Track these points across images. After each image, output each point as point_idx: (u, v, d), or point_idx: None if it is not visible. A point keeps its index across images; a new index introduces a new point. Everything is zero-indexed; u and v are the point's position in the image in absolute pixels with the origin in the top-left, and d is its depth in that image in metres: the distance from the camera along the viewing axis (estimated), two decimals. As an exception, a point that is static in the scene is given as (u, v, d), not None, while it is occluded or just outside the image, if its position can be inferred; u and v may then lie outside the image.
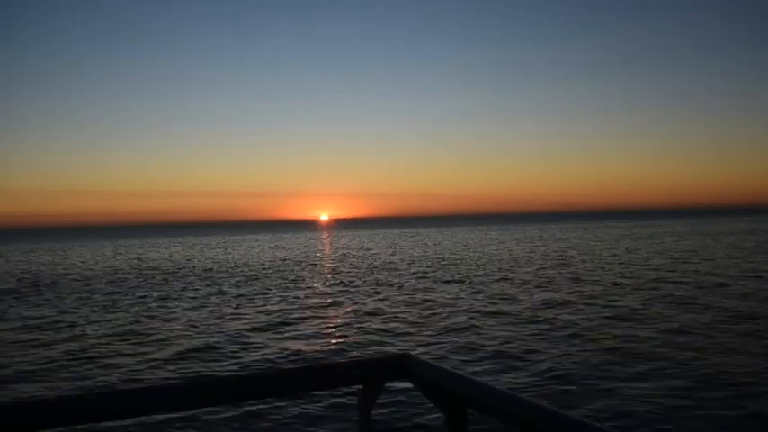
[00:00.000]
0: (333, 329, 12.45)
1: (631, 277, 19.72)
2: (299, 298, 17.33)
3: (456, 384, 1.40)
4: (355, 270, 26.03)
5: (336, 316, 14.11)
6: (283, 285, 20.78)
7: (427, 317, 13.37)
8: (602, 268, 23.18)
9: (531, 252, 33.94)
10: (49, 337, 12.13)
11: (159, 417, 6.39)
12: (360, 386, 1.59)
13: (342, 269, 26.81)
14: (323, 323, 13.15)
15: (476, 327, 12.01)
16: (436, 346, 10.43)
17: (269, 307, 15.59)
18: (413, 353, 1.66)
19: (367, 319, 13.45)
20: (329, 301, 16.62)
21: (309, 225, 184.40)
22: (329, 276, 23.78)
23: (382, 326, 12.51)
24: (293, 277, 23.54)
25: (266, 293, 18.51)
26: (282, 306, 15.70)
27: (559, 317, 12.80)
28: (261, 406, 7.18)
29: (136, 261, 35.30)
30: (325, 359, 9.77)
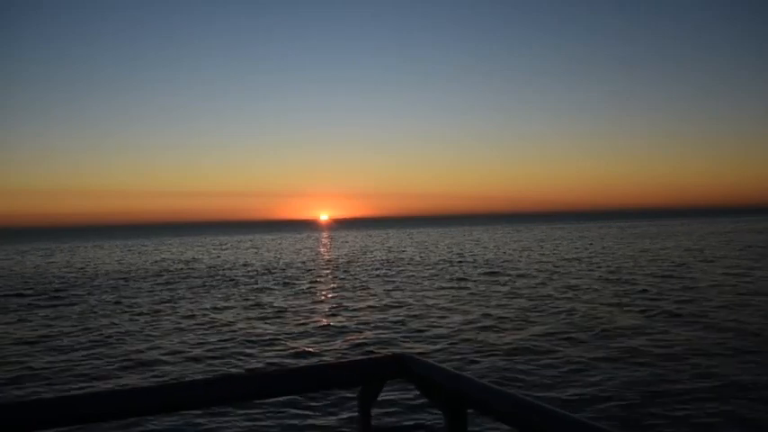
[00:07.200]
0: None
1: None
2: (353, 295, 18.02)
3: (456, 384, 1.39)
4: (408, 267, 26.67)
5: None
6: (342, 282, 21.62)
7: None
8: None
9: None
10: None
11: (157, 417, 6.38)
12: (359, 386, 1.58)
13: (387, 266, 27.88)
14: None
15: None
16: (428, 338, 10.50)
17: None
18: (412, 352, 1.65)
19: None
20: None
21: (310, 225, 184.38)
22: (363, 273, 24.70)
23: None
24: (342, 275, 24.37)
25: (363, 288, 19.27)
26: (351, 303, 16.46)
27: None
28: (261, 406, 7.18)
29: (219, 260, 34.57)
30: (326, 359, 9.78)
